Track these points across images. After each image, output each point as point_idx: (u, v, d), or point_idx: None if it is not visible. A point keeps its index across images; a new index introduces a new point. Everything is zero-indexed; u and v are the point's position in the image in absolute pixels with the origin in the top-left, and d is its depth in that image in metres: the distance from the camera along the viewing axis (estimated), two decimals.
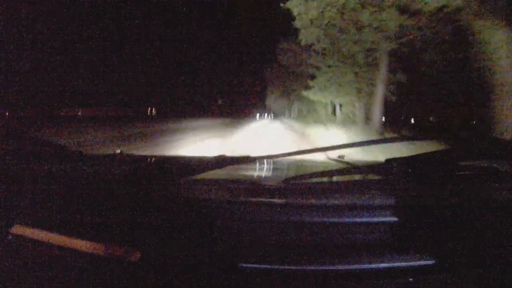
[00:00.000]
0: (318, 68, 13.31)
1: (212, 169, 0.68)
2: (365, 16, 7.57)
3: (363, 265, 0.43)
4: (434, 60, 9.45)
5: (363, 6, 7.50)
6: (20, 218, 0.53)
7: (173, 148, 6.49)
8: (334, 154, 1.09)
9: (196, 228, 0.50)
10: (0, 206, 0.56)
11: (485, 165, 0.66)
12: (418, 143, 5.10)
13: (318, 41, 9.61)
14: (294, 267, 0.43)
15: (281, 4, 7.74)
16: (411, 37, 8.12)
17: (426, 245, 0.46)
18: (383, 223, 0.50)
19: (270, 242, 0.48)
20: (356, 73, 11.57)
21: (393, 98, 11.12)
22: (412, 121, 25.90)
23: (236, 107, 66.45)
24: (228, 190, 0.60)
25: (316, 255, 0.44)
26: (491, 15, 4.25)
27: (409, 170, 0.64)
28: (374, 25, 7.88)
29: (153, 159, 1.06)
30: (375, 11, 7.46)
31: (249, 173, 0.96)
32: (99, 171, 0.82)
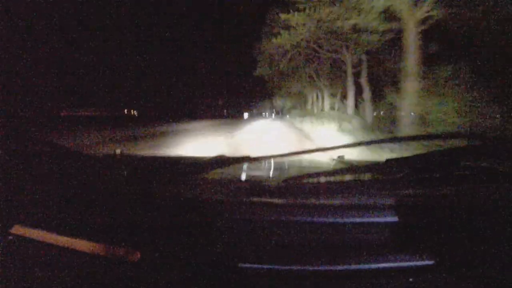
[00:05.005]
0: None
1: (212, 169, 0.68)
2: None
3: (363, 265, 0.43)
4: None
5: None
6: (20, 218, 0.53)
7: None
8: (334, 154, 1.10)
9: (196, 228, 0.50)
10: (0, 206, 0.56)
11: (485, 165, 0.66)
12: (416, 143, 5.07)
13: None
14: (293, 267, 0.43)
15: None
16: None
17: (426, 245, 0.46)
18: (383, 223, 0.50)
19: (270, 242, 0.48)
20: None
21: None
22: None
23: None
24: (228, 190, 0.60)
25: (316, 255, 0.44)
26: None
27: (409, 170, 0.64)
28: None
29: (153, 159, 1.06)
30: None
31: (249, 173, 0.96)
32: (99, 171, 0.82)
